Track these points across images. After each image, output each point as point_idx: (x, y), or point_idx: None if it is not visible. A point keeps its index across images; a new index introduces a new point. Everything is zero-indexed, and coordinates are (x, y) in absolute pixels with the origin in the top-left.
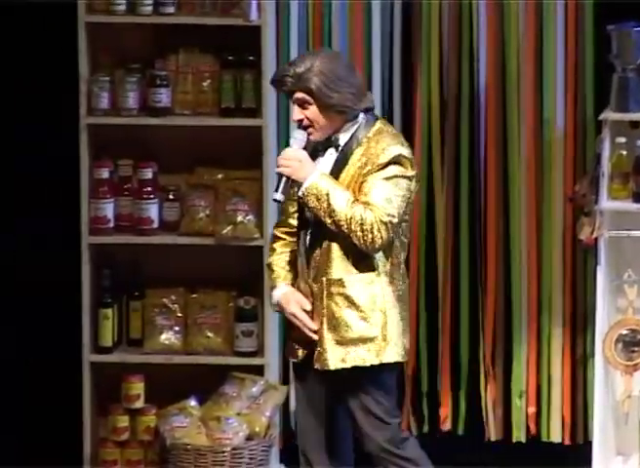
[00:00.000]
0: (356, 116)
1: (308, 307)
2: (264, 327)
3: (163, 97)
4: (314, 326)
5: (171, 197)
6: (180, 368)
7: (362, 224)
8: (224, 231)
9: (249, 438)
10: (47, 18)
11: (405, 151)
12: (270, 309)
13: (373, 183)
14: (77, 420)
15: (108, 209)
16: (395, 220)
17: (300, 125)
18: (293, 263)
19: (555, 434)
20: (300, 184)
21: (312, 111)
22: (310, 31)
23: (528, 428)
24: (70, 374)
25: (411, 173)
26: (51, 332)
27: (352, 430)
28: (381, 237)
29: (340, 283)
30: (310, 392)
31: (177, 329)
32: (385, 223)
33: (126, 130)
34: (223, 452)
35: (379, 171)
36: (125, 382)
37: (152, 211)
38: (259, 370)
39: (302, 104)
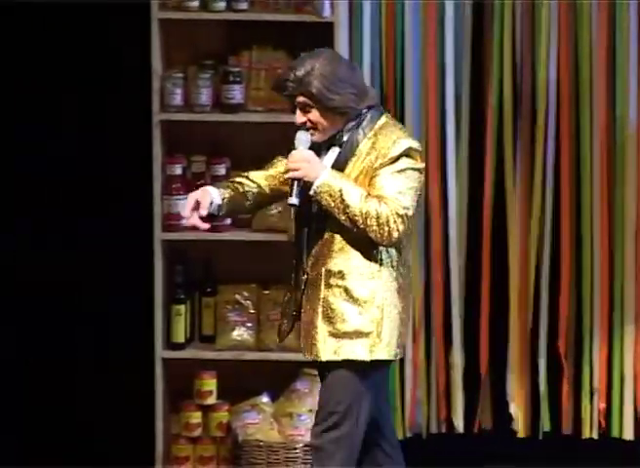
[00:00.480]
0: (359, 115)
1: (204, 213)
2: None
3: (236, 93)
4: (188, 214)
5: None
6: (252, 364)
7: (378, 218)
8: None
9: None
10: (121, 15)
11: (415, 144)
12: None
13: (385, 177)
14: (150, 417)
15: (181, 205)
16: (410, 213)
17: (303, 127)
18: (233, 197)
19: (627, 431)
20: (311, 184)
21: (314, 114)
22: (383, 28)
23: (599, 424)
24: (143, 371)
25: (421, 165)
26: (124, 329)
27: None
28: (398, 229)
29: (341, 275)
30: None
31: (249, 325)
32: (402, 216)
33: (199, 126)
34: (295, 449)
35: (390, 164)
36: (197, 379)
37: None
38: None
39: (304, 107)
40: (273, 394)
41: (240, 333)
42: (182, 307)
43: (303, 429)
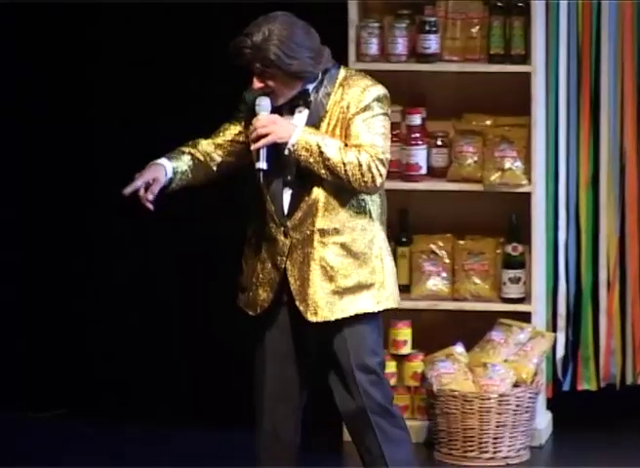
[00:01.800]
0: (316, 78)
1: (150, 197)
2: (531, 274)
3: (432, 43)
4: (130, 189)
5: (439, 143)
6: (447, 314)
7: (360, 166)
8: (492, 178)
9: (515, 385)
10: None
11: (384, 90)
12: (536, 256)
13: (359, 124)
14: None
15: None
16: (388, 156)
17: (261, 92)
18: (197, 166)
19: None
20: (280, 147)
21: (272, 80)
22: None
23: None
24: None
25: (389, 110)
26: None
27: (336, 390)
28: (381, 174)
29: (336, 231)
30: (278, 352)
31: (444, 275)
32: (381, 160)
33: (394, 76)
34: (490, 399)
35: (363, 112)
36: (392, 328)
37: (420, 157)
38: (525, 317)
39: (262, 74)
40: (467, 344)
41: (435, 283)
42: None
43: (498, 379)
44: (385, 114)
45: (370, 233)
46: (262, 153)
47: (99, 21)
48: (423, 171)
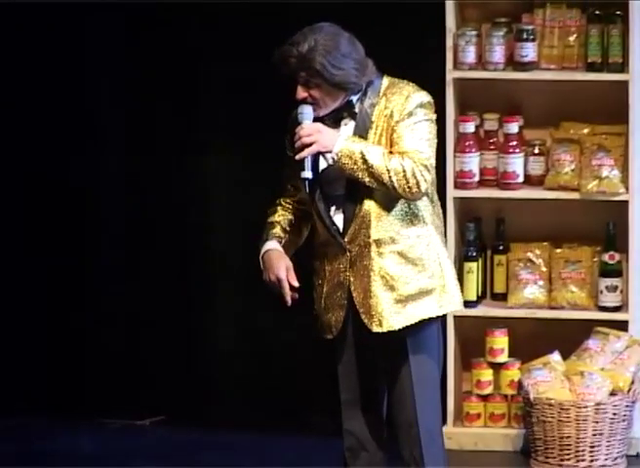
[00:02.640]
0: (360, 89)
1: (296, 283)
2: (628, 282)
3: (529, 51)
4: (289, 301)
5: (536, 151)
6: (544, 322)
7: (404, 172)
8: (590, 186)
9: (612, 393)
10: None
11: (427, 96)
12: (634, 265)
13: (403, 131)
14: (442, 375)
15: (473, 163)
16: (433, 161)
17: (304, 102)
18: (293, 226)
19: None
20: (318, 157)
21: (317, 90)
22: None
23: None
24: None
25: (435, 116)
26: None
27: (392, 397)
28: (425, 180)
29: (391, 240)
30: (357, 366)
31: (541, 283)
32: (425, 165)
33: (492, 84)
34: (586, 407)
35: (407, 118)
36: (489, 336)
37: (517, 165)
38: (622, 326)
39: (306, 83)
40: (564, 352)
41: (532, 291)
42: (474, 265)
43: (594, 388)
44: (430, 120)
45: (425, 239)
46: (307, 162)
47: None
48: (520, 179)
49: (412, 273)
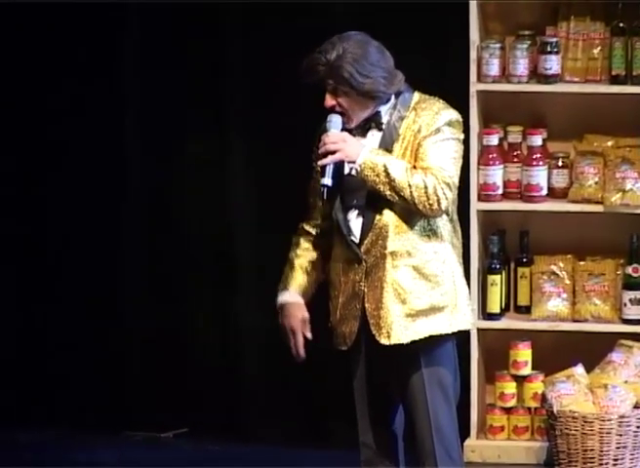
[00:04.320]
0: (389, 99)
1: (309, 336)
2: None
3: (553, 63)
4: (303, 354)
5: (560, 164)
6: (567, 335)
7: (426, 188)
8: (613, 199)
9: (636, 406)
10: None
11: (456, 114)
12: None
13: (429, 147)
14: (465, 387)
15: (497, 175)
16: (456, 180)
17: (333, 111)
18: (315, 264)
19: None
20: (340, 166)
21: (345, 98)
22: None
23: None
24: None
25: (462, 136)
26: None
27: (407, 411)
28: (446, 198)
29: (407, 253)
30: (369, 379)
31: (564, 296)
32: (448, 184)
33: (515, 96)
34: (610, 420)
35: (434, 135)
36: (512, 349)
37: (541, 178)
38: None
39: (335, 91)
40: (588, 365)
41: (555, 304)
42: (498, 277)
43: (618, 401)
44: (457, 139)
45: (442, 256)
46: (329, 169)
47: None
48: (544, 191)
49: (425, 288)
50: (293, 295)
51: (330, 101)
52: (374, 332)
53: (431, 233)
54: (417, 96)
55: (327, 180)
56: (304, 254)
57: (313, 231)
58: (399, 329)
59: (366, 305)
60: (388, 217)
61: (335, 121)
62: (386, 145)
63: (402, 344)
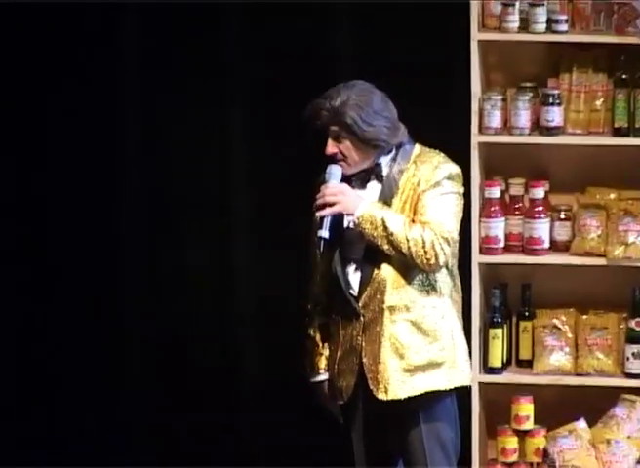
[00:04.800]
0: (390, 150)
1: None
2: None
3: (555, 115)
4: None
5: (562, 217)
6: (570, 389)
7: (424, 243)
8: (616, 252)
9: (639, 461)
10: (440, 36)
11: (456, 168)
12: None
13: (428, 201)
14: (466, 441)
15: (499, 228)
16: (455, 235)
17: (333, 159)
18: (328, 332)
19: None
20: (339, 219)
21: (346, 145)
22: None
23: None
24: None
25: (462, 189)
26: None
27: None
28: (444, 253)
29: (406, 309)
30: (360, 432)
31: (567, 350)
32: (446, 238)
33: (517, 148)
34: None
35: (433, 188)
36: (514, 403)
37: (543, 230)
38: None
39: (337, 138)
40: (590, 420)
41: (558, 358)
42: (500, 331)
43: (621, 456)
44: (457, 193)
45: (440, 311)
46: (326, 222)
47: None
48: (546, 244)
49: (423, 343)
50: (320, 375)
51: (331, 149)
52: (371, 387)
53: (430, 287)
54: (417, 148)
55: (324, 233)
56: (321, 331)
57: (324, 296)
58: (396, 384)
59: (364, 360)
60: (386, 271)
61: (334, 172)
62: (386, 198)
63: (400, 400)
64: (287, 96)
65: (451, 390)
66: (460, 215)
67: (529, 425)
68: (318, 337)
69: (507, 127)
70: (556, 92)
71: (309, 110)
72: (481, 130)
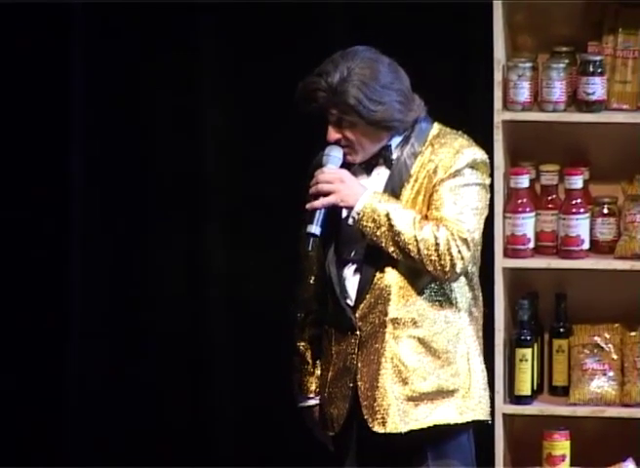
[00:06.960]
0: (406, 129)
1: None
2: None
3: (597, 87)
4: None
5: (605, 212)
6: (615, 422)
7: (437, 245)
8: None
9: None
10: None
11: (482, 155)
12: None
13: (445, 194)
14: None
15: (528, 225)
16: (476, 236)
17: (337, 145)
18: (319, 346)
19: None
20: (339, 210)
21: (352, 130)
22: None
23: None
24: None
25: (488, 180)
26: None
27: None
28: (462, 258)
29: (412, 322)
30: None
31: (610, 374)
32: (465, 240)
33: (550, 128)
34: None
35: (452, 178)
36: (546, 440)
37: (582, 228)
38: None
39: (339, 122)
40: None
41: (600, 385)
42: (529, 351)
43: None
44: (481, 185)
45: (455, 327)
46: (318, 215)
47: None
48: (585, 245)
49: (432, 367)
50: (313, 402)
51: (334, 135)
52: (366, 417)
53: (444, 298)
54: (436, 127)
55: (314, 228)
56: (312, 344)
57: (315, 302)
58: (397, 414)
59: (358, 383)
60: (391, 276)
61: (333, 155)
62: (394, 187)
63: (400, 434)
64: (270, 94)
65: (466, 424)
66: (485, 212)
67: (565, 466)
68: (309, 354)
69: (538, 101)
70: (598, 58)
71: (301, 91)
72: (506, 105)
